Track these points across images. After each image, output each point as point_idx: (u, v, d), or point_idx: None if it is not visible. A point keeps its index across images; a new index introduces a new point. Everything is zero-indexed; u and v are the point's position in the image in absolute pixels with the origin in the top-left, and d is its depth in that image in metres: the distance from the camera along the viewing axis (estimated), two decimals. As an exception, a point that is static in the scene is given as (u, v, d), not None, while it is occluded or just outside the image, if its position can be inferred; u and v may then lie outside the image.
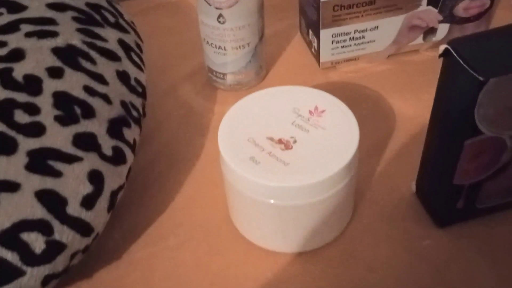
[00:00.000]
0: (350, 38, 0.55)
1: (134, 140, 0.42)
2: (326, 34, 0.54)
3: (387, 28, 0.55)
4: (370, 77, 0.57)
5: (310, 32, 0.57)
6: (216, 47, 0.53)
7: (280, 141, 0.40)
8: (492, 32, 0.35)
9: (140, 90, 0.44)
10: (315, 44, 0.57)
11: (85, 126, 0.38)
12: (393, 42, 0.57)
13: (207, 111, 0.55)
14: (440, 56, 0.34)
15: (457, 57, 0.33)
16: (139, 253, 0.43)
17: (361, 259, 0.42)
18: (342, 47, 0.56)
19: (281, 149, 0.39)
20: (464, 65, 0.33)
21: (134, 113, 0.43)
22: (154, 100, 0.56)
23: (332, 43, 0.55)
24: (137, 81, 0.44)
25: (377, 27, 0.55)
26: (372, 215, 0.44)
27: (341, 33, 0.54)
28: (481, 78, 0.32)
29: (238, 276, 0.41)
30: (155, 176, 0.49)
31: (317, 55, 0.57)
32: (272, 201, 0.38)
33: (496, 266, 0.40)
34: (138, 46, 0.48)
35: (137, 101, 0.44)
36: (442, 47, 0.34)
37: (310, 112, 0.41)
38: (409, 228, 0.43)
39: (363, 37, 0.55)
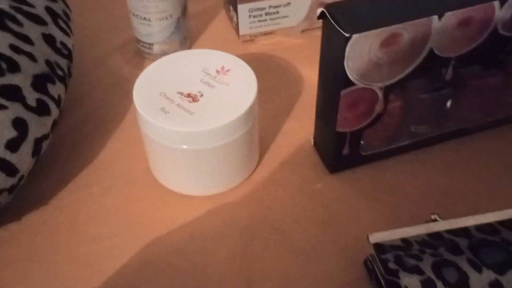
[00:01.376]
0: (265, 13, 0.61)
1: (59, 96, 0.47)
2: (243, 8, 0.60)
3: (299, 4, 0.61)
4: (285, 49, 0.63)
5: (231, 7, 0.63)
6: (141, 18, 0.58)
7: (188, 95, 0.45)
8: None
9: (65, 52, 0.49)
10: (235, 19, 0.62)
11: (10, 79, 0.42)
12: (306, 18, 0.63)
13: (135, 78, 0.59)
14: (318, 18, 0.40)
15: (330, 18, 0.39)
16: (65, 199, 0.48)
17: (262, 201, 0.47)
18: (258, 21, 0.62)
19: (189, 102, 0.44)
20: (334, 24, 0.39)
21: (59, 72, 0.47)
22: (86, 68, 0.60)
23: (250, 17, 0.61)
24: (63, 44, 0.49)
25: (289, 3, 0.61)
26: (275, 164, 0.50)
27: (257, 8, 0.60)
28: (346, 34, 0.38)
29: (153, 218, 0.47)
30: (83, 134, 0.54)
31: (237, 29, 0.63)
32: (183, 146, 0.43)
33: (375, 204, 0.47)
34: (66, 14, 0.52)
35: (63, 62, 0.48)
36: (319, 10, 0.40)
37: (217, 71, 0.47)
38: (305, 175, 0.49)
39: (277, 12, 0.61)
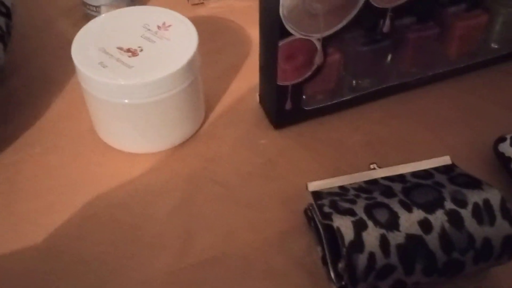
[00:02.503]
0: (213, -25, 0.61)
1: (-3, 54, 0.46)
2: (190, -30, 0.60)
3: (247, -34, 0.61)
4: (234, 12, 0.62)
5: (179, -30, 0.62)
6: (86, -20, 0.57)
7: (128, 50, 0.45)
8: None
9: (4, 10, 0.48)
10: (183, -19, 0.62)
11: None
12: (255, -20, 0.63)
13: (82, 42, 0.59)
14: (254, -33, 0.41)
15: (264, -34, 0.39)
16: (6, 159, 0.47)
17: (206, 157, 0.48)
18: (207, -17, 0.61)
19: (128, 56, 0.44)
20: (268, -28, 0.39)
21: (-3, 29, 0.46)
22: (32, 31, 0.59)
23: (198, -21, 0.61)
24: (1, 2, 0.48)
25: (237, -35, 0.61)
26: (220, 122, 0.51)
27: (205, -30, 0.60)
28: (279, -18, 0.38)
29: (96, 175, 0.46)
30: (27, 95, 0.53)
31: (185, -8, 0.62)
32: (124, 100, 0.43)
33: (317, 157, 0.47)
34: (5, -28, 0.51)
35: (1, 20, 0.47)
36: (255, -40, 0.40)
37: (158, 27, 0.47)
38: (250, 131, 0.50)
39: (226, -26, 0.61)
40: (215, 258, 0.41)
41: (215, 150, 0.48)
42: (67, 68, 0.55)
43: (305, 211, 0.43)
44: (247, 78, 0.54)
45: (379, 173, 0.42)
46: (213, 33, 0.59)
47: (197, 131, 0.49)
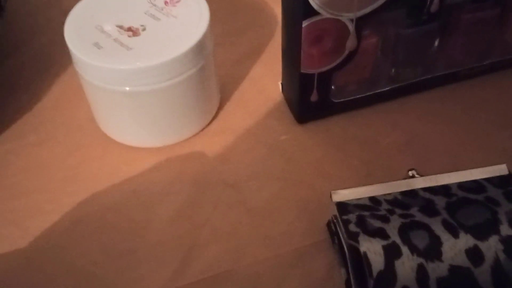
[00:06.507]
0: None
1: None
2: None
3: None
4: (260, -13, 0.56)
5: None
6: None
7: (129, 29, 0.39)
8: None
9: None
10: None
11: None
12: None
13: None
14: None
15: None
16: (-4, 150, 0.43)
17: (217, 154, 0.41)
18: (230, -45, 0.54)
19: (128, 36, 0.38)
20: None
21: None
22: (35, 7, 0.54)
23: (219, -50, 0.54)
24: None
25: None
26: (236, 114, 0.44)
27: None
28: None
29: (92, 171, 0.41)
30: (25, 78, 0.48)
31: (206, -36, 0.55)
32: (125, 88, 0.37)
33: (346, 158, 0.41)
34: None
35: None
36: None
37: (165, 2, 0.40)
38: (270, 125, 0.43)
39: None
40: (220, 276, 0.35)
41: (228, 147, 0.42)
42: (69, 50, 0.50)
43: (328, 224, 0.36)
44: (270, 64, 0.48)
45: (419, 183, 0.35)
46: (233, 11, 0.53)
47: (208, 124, 0.43)
